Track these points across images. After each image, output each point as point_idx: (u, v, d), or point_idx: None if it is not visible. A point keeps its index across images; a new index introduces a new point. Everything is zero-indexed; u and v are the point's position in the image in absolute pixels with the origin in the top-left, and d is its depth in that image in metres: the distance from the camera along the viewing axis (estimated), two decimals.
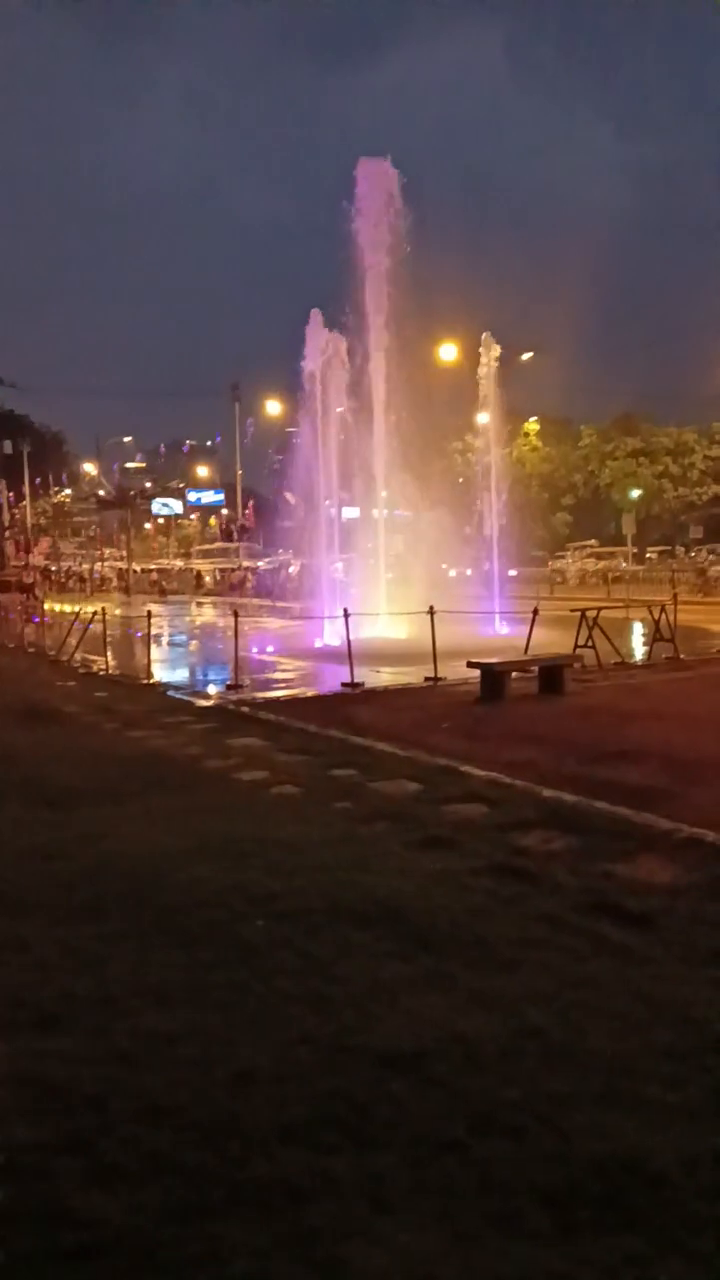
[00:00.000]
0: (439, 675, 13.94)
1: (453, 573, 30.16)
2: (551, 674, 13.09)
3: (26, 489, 73.29)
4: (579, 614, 15.78)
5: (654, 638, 16.78)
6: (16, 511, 75.77)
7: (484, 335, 24.80)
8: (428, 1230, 2.61)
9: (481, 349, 24.83)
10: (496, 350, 24.71)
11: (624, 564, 49.67)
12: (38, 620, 24.12)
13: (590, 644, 15.25)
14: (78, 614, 19.50)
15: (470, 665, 13.07)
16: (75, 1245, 2.55)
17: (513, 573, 41.09)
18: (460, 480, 43.00)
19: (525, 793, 7.18)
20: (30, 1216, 2.66)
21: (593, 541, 60.06)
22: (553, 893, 5.03)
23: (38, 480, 78.68)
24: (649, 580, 40.31)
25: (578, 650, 14.85)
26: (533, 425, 70.86)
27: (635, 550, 54.88)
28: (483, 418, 27.85)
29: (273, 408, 64.19)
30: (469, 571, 31.44)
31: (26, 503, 76.40)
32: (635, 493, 64.79)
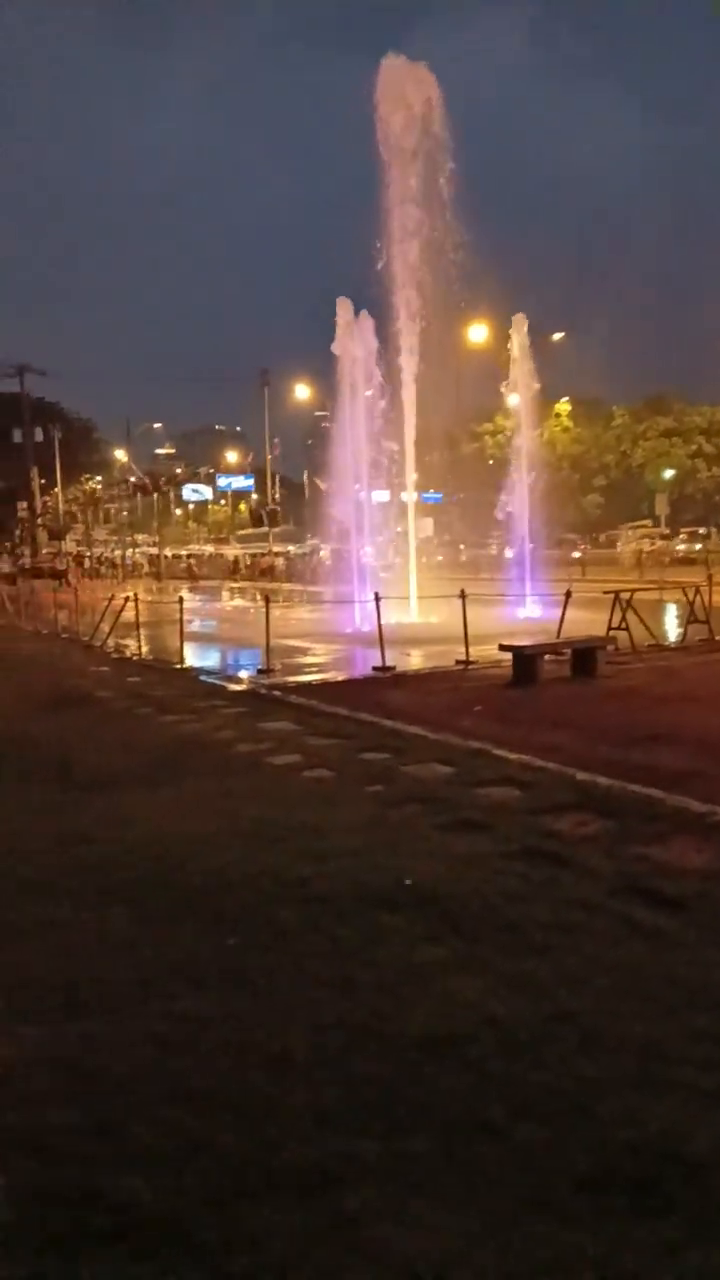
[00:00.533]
0: (470, 659, 13.89)
1: (508, 552, 29.79)
2: (584, 657, 12.98)
3: (58, 476, 73.73)
4: (613, 595, 15.64)
5: (689, 619, 16.60)
6: (48, 499, 76.31)
7: (515, 316, 24.52)
8: (463, 1214, 2.59)
9: (512, 330, 24.56)
10: (525, 329, 24.43)
11: (683, 546, 48.55)
12: (71, 584, 24.21)
13: (624, 626, 15.11)
14: (110, 599, 19.61)
15: (502, 648, 13.00)
16: (109, 1227, 2.56)
17: (577, 554, 40.60)
18: (490, 462, 42.70)
19: (558, 776, 7.13)
20: (64, 1198, 2.67)
21: (647, 522, 58.90)
22: (586, 876, 4.99)
23: (70, 467, 79.11)
24: (685, 561, 39.88)
25: (611, 633, 14.72)
26: (564, 406, 70.23)
27: (669, 531, 54.30)
28: (513, 399, 27.60)
29: (301, 392, 64.14)
30: (509, 552, 31.21)
31: (58, 490, 76.90)
32: (668, 473, 64.09)
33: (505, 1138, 2.89)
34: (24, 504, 69.00)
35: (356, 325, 22.38)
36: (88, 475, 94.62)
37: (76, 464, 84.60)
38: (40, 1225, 2.58)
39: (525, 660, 12.52)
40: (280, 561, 51.30)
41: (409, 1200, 2.65)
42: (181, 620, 18.10)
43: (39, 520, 69.18)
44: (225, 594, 39.32)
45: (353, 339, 22.31)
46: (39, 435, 67.67)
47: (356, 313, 22.52)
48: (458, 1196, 2.66)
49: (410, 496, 25.21)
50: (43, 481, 71.94)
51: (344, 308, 22.45)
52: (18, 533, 70.18)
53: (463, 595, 14.68)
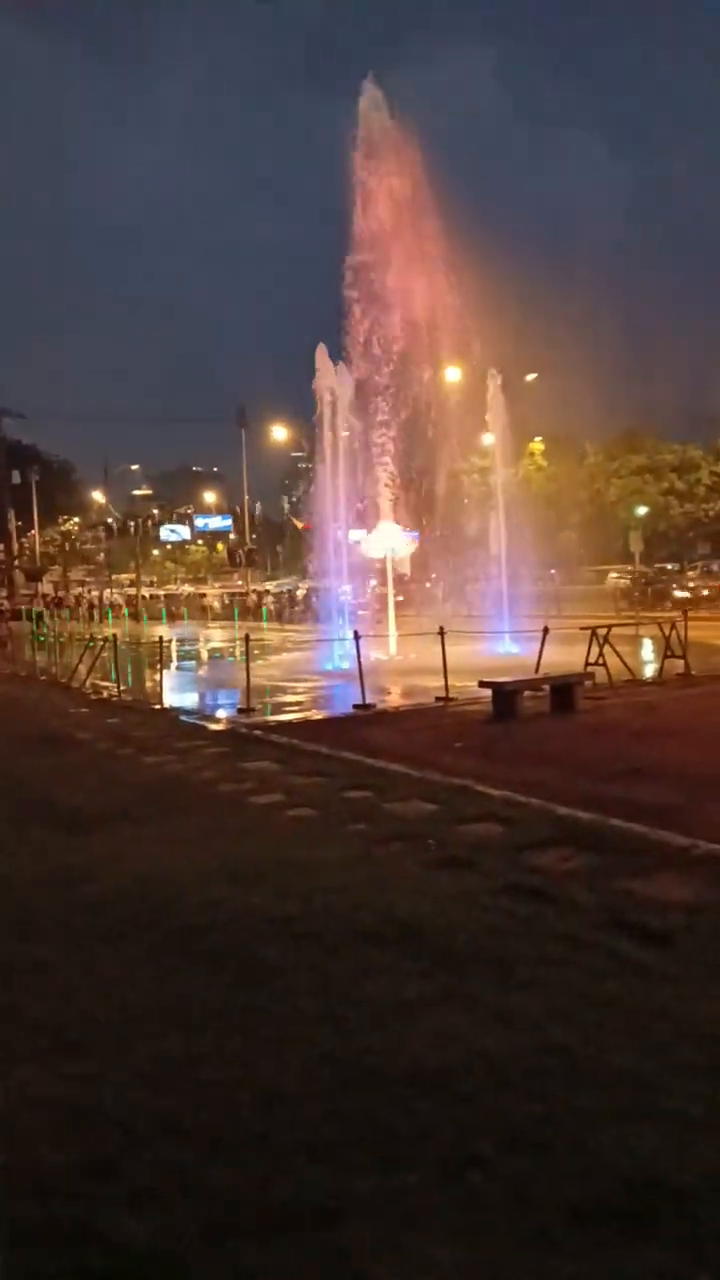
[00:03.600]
0: (450, 695, 13.97)
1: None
2: (563, 692, 13.09)
3: (35, 518, 73.67)
4: (589, 631, 15.80)
5: (665, 654, 16.77)
6: (25, 541, 76.16)
7: (490, 371, 24.77)
8: (457, 1247, 2.61)
9: (489, 380, 24.80)
10: (499, 382, 24.69)
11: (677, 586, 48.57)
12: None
13: (601, 661, 15.25)
14: (90, 640, 19.59)
15: (482, 684, 13.10)
16: (105, 1268, 2.56)
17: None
18: (465, 501, 43.08)
19: (540, 811, 7.18)
20: (60, 1238, 2.67)
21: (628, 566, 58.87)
22: (570, 911, 5.03)
23: (47, 509, 79.09)
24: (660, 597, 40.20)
25: (588, 668, 14.86)
26: (538, 445, 71.01)
27: (644, 568, 54.77)
28: (488, 439, 27.99)
29: (279, 433, 64.59)
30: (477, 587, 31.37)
31: (35, 532, 76.79)
32: (641, 509, 64.79)
33: (497, 1170, 2.91)
34: (1, 546, 68.84)
35: (333, 370, 22.66)
36: (65, 516, 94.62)
37: (54, 505, 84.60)
38: (38, 1266, 2.57)
39: (505, 696, 12.61)
40: (270, 600, 50.86)
41: (403, 1235, 2.66)
42: (161, 660, 18.13)
43: (16, 563, 68.96)
44: (204, 634, 39.29)
45: (329, 382, 22.57)
46: (16, 478, 67.63)
47: (332, 354, 22.86)
48: (452, 1230, 2.68)
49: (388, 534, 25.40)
50: (19, 523, 71.80)
51: (322, 354, 22.75)
52: None
53: (441, 632, 14.79)
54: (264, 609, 47.21)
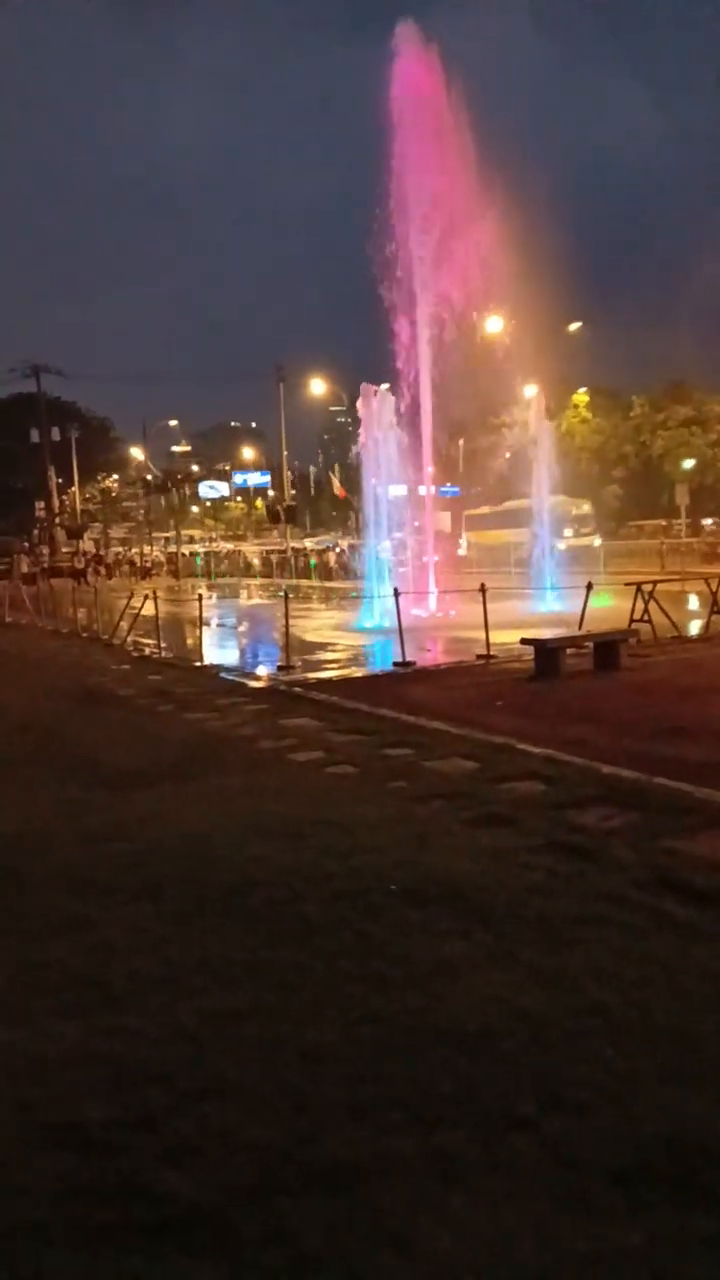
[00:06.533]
0: (491, 653, 13.87)
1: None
2: (607, 649, 12.94)
3: (75, 475, 74.04)
4: (634, 587, 15.58)
5: (712, 610, 16.50)
6: (66, 498, 76.62)
7: (527, 389, 24.37)
8: (498, 1208, 2.60)
9: (531, 402, 24.28)
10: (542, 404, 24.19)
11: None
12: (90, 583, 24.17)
13: (646, 618, 15.04)
14: (130, 598, 19.70)
15: (524, 642, 12.97)
16: (152, 1220, 2.59)
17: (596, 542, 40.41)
18: (508, 455, 42.58)
19: (583, 770, 7.11)
20: (107, 1192, 2.70)
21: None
22: (613, 870, 4.98)
23: (87, 467, 79.43)
24: (704, 553, 39.61)
25: (633, 624, 14.66)
26: (581, 397, 69.80)
27: (689, 521, 53.89)
28: (530, 390, 27.54)
29: (317, 388, 64.03)
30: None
31: (75, 489, 77.22)
32: (688, 463, 63.59)
33: (540, 1132, 2.89)
34: (41, 504, 69.32)
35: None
36: (105, 474, 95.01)
37: (94, 463, 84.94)
38: (84, 1219, 2.61)
39: (547, 654, 12.49)
40: (331, 557, 49.38)
41: (444, 1195, 2.66)
42: (201, 617, 18.19)
43: (57, 520, 69.46)
44: (243, 591, 39.38)
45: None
46: (56, 435, 67.84)
47: (369, 308, 22.50)
48: (494, 1191, 2.67)
49: (428, 490, 25.19)
50: (60, 481, 72.23)
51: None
52: (36, 532, 70.53)
53: (483, 589, 14.66)
54: (311, 562, 46.86)
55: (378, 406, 21.82)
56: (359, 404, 22.40)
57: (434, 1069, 3.23)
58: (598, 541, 40.92)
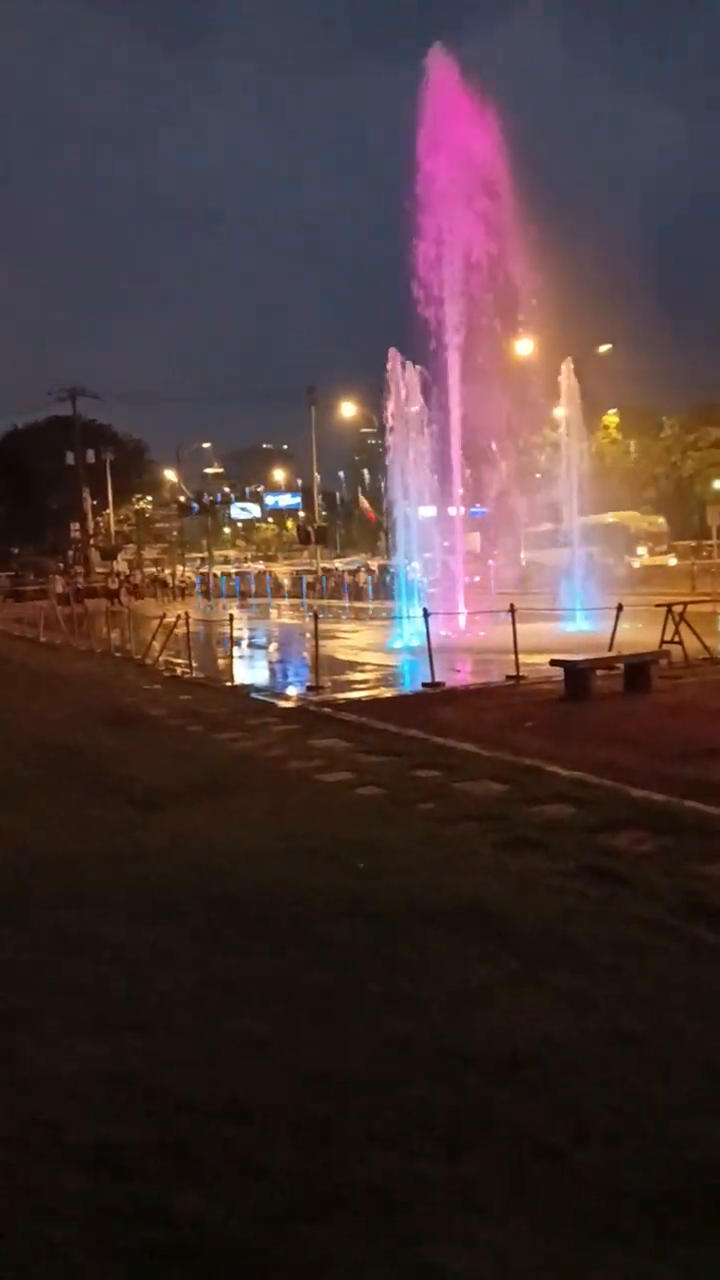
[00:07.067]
0: (521, 674, 13.80)
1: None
2: (637, 671, 12.83)
3: (110, 497, 74.79)
4: (665, 609, 15.45)
5: None
6: (100, 519, 77.41)
7: (564, 365, 24.16)
8: (524, 1237, 2.56)
9: (561, 378, 24.14)
10: (578, 396, 24.12)
11: None
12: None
13: (677, 639, 14.91)
14: (162, 619, 19.83)
15: (553, 663, 12.90)
16: (172, 1244, 2.57)
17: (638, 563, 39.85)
18: (538, 475, 42.49)
19: (614, 793, 7.05)
20: (128, 1215, 2.69)
21: None
22: (645, 895, 4.92)
23: (121, 489, 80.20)
24: None
25: (664, 646, 14.54)
26: (612, 418, 69.59)
27: None
28: (559, 411, 27.49)
29: (348, 410, 64.31)
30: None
31: (110, 510, 77.99)
32: None
33: (567, 1160, 2.85)
34: (76, 525, 70.10)
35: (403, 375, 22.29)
36: (139, 495, 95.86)
37: (128, 485, 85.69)
38: (112, 1241, 2.60)
39: (577, 675, 12.41)
40: (345, 577, 49.53)
41: (470, 1223, 2.62)
42: (231, 638, 18.27)
43: (91, 541, 70.20)
44: (273, 611, 39.50)
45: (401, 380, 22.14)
46: (91, 457, 68.62)
47: (403, 331, 22.62)
48: (520, 1219, 2.63)
49: (458, 511, 25.22)
50: (94, 502, 73.00)
51: (394, 358, 22.36)
52: (71, 553, 71.28)
53: (512, 610, 14.62)
54: (343, 585, 46.88)
55: (406, 377, 21.82)
56: (387, 369, 22.34)
57: (460, 1096, 3.20)
58: (674, 561, 40.31)
